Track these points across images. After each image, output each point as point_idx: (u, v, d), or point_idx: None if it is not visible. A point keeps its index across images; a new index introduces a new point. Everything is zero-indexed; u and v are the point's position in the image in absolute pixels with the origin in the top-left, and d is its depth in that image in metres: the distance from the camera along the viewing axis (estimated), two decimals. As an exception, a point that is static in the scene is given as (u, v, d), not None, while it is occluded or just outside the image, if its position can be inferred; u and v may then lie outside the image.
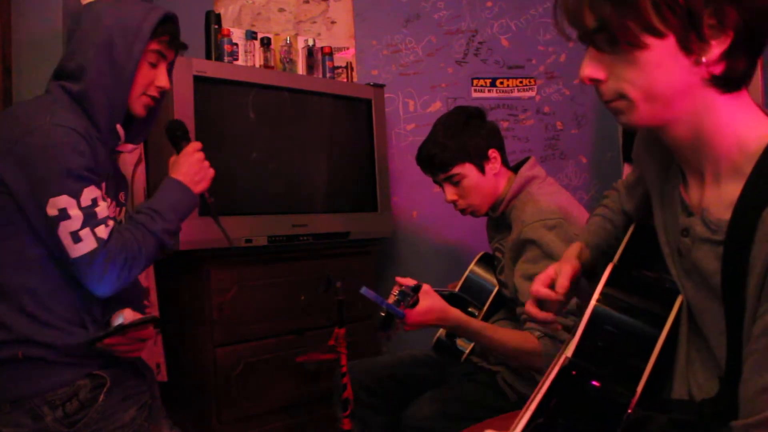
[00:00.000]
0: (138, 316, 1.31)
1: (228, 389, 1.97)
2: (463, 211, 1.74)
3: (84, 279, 1.23)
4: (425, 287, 1.47)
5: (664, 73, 0.76)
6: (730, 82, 0.78)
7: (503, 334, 1.51)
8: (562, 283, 1.06)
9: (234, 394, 1.98)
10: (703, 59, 0.75)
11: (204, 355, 1.98)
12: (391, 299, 1.41)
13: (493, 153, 1.69)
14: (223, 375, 1.96)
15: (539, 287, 1.08)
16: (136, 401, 1.31)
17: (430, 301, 1.46)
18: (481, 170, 1.68)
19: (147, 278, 1.96)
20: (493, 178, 1.69)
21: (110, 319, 1.33)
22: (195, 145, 1.42)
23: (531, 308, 1.11)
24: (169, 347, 2.05)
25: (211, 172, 1.43)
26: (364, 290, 1.35)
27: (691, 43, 0.74)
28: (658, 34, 0.74)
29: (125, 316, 1.30)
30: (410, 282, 1.46)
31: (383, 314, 1.38)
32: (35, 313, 1.23)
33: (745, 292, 0.75)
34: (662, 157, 0.96)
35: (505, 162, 1.74)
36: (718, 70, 0.76)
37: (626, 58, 0.76)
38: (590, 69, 0.79)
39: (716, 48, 0.75)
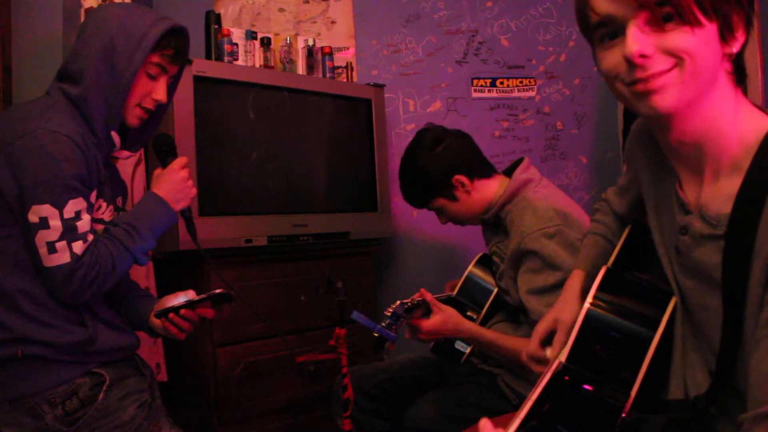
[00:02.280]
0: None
1: (228, 389, 1.97)
2: (460, 225, 1.80)
3: (52, 288, 1.23)
4: (438, 304, 1.52)
5: (708, 54, 0.78)
6: (742, 75, 0.82)
7: (516, 343, 1.52)
8: (557, 345, 1.05)
9: (234, 394, 1.98)
10: (734, 49, 0.80)
11: (204, 355, 1.98)
12: (386, 321, 1.43)
13: (458, 179, 1.66)
14: (223, 375, 1.96)
15: (536, 349, 1.09)
16: (135, 400, 1.31)
17: (445, 314, 1.51)
18: (453, 199, 1.68)
19: (147, 278, 1.96)
20: (470, 197, 1.68)
21: (161, 300, 1.41)
22: (181, 161, 1.42)
23: (528, 363, 1.11)
24: (169, 347, 2.05)
25: (194, 191, 1.43)
26: (355, 315, 1.36)
27: (726, 33, 0.79)
28: (709, 18, 0.76)
29: (189, 295, 1.39)
30: (430, 298, 1.52)
31: (376, 335, 1.39)
32: (33, 313, 1.23)
33: (747, 282, 0.75)
34: (655, 157, 0.96)
35: (479, 174, 1.69)
36: (731, 64, 0.81)
37: (677, 30, 0.77)
38: (639, 45, 0.77)
39: (740, 40, 0.80)
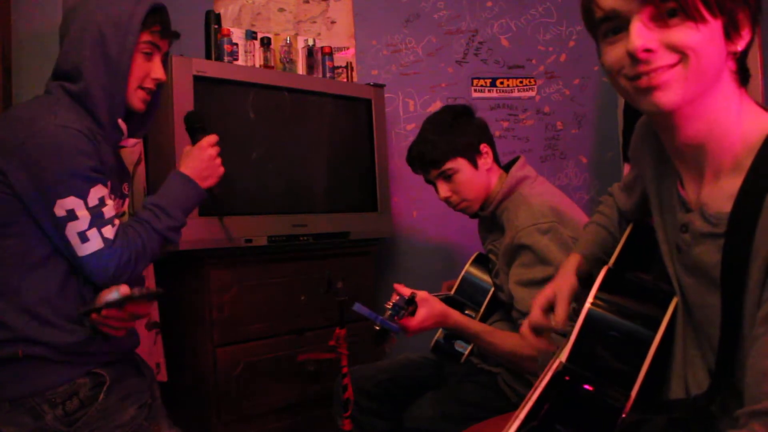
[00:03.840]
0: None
1: (228, 389, 1.97)
2: (456, 207, 1.73)
3: (91, 276, 1.25)
4: (421, 294, 1.47)
5: (712, 51, 0.77)
6: (746, 74, 0.81)
7: (501, 338, 1.52)
8: (561, 313, 1.06)
9: (234, 394, 1.98)
10: (738, 47, 0.79)
11: (204, 355, 1.98)
12: (387, 313, 1.41)
13: (484, 147, 1.69)
14: (223, 375, 1.96)
15: (538, 317, 1.09)
16: (135, 400, 1.31)
17: (428, 307, 1.47)
18: (474, 164, 1.67)
19: (147, 278, 1.96)
20: (486, 173, 1.69)
21: (98, 295, 1.28)
22: (210, 139, 1.44)
23: (528, 334, 1.11)
24: (169, 347, 2.05)
25: (221, 169, 1.44)
26: (357, 306, 1.35)
27: (731, 30, 0.78)
28: (714, 15, 0.76)
29: (121, 291, 1.26)
30: (406, 292, 1.45)
31: (377, 328, 1.38)
32: (35, 311, 1.23)
33: (746, 281, 0.75)
34: (657, 155, 0.96)
35: (496, 158, 1.73)
36: (735, 62, 0.81)
37: (681, 26, 0.76)
38: (642, 40, 0.77)
39: (745, 38, 0.79)
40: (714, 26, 0.76)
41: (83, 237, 1.21)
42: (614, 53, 0.81)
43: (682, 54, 0.76)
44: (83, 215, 1.21)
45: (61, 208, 1.20)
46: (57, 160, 1.20)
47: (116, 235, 1.25)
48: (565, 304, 1.07)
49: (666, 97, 0.78)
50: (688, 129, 0.82)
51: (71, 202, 1.21)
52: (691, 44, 0.76)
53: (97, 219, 1.23)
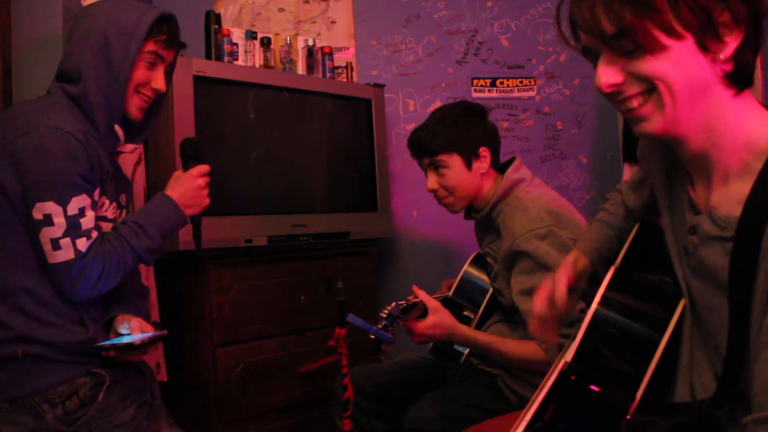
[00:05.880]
0: (144, 325, 1.32)
1: (228, 389, 1.97)
2: (440, 201, 1.72)
3: (57, 285, 1.23)
4: (434, 304, 1.49)
5: (681, 72, 0.76)
6: (742, 79, 0.79)
7: (510, 346, 1.53)
8: (560, 295, 1.05)
9: (234, 394, 1.98)
10: (721, 56, 0.77)
11: (204, 355, 1.98)
12: (381, 323, 1.41)
13: (483, 152, 1.66)
14: (223, 375, 1.96)
15: (541, 306, 1.09)
16: (135, 400, 1.31)
17: (439, 316, 1.48)
18: (468, 165, 1.66)
19: (147, 278, 1.96)
20: (479, 177, 1.67)
21: (112, 320, 1.33)
22: (201, 169, 1.42)
23: (535, 327, 1.11)
24: (169, 347, 2.04)
25: (207, 201, 1.42)
26: (350, 317, 1.35)
27: (708, 42, 0.76)
28: (678, 36, 0.74)
29: (132, 326, 1.29)
30: (421, 294, 1.47)
31: (373, 337, 1.38)
32: (34, 312, 1.23)
33: (754, 286, 0.75)
34: (667, 158, 0.96)
35: (495, 164, 1.71)
36: (729, 67, 0.78)
37: (645, 58, 0.76)
38: (608, 76, 0.78)
39: (731, 45, 0.77)
40: (681, 47, 0.75)
41: (56, 245, 1.20)
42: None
43: (648, 83, 0.77)
44: (59, 222, 1.20)
45: (39, 211, 1.19)
46: (42, 161, 1.19)
47: (90, 248, 1.23)
48: (563, 287, 1.05)
49: (650, 127, 0.81)
50: (687, 142, 0.83)
51: (50, 207, 1.19)
52: (656, 74, 0.76)
53: (73, 229, 1.21)
